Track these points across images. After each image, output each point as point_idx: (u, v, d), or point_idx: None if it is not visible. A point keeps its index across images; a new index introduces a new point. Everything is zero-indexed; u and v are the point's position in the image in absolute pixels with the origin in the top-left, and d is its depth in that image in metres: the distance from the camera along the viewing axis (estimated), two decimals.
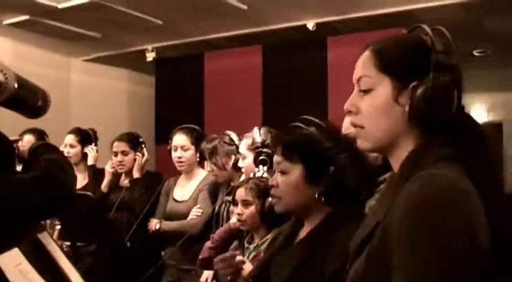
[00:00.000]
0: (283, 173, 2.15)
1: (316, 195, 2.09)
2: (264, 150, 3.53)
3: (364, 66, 1.46)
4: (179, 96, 7.62)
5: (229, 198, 3.74)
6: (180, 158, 4.39)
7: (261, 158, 3.50)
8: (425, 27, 1.44)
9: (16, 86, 1.54)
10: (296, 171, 2.13)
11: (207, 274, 3.78)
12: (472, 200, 1.26)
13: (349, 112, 1.49)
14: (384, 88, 1.41)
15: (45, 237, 1.51)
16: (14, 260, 1.29)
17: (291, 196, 2.15)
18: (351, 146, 2.06)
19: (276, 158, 2.19)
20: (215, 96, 7.38)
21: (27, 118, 2.01)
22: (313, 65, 6.72)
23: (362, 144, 1.49)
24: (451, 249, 1.20)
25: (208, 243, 3.52)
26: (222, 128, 4.34)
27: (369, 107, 1.44)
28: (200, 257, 3.55)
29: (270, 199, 2.73)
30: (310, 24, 6.28)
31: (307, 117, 2.26)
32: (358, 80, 1.47)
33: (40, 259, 1.41)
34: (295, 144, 2.17)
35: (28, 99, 1.72)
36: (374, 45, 1.47)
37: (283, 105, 6.63)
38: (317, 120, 2.27)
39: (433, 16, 5.80)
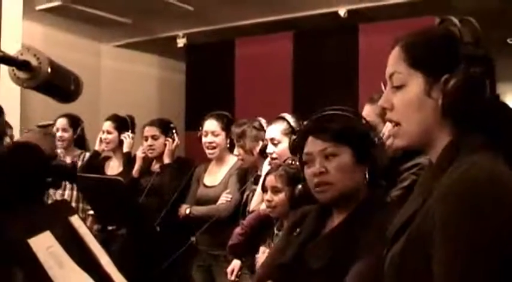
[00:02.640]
0: (330, 157, 2.10)
1: (367, 175, 2.10)
2: None
3: (394, 62, 1.49)
4: (210, 83, 7.64)
5: (256, 187, 3.74)
6: (210, 143, 4.39)
7: None
8: (453, 18, 1.45)
9: (49, 70, 1.56)
10: (345, 152, 2.09)
11: (234, 264, 3.79)
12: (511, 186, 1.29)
13: (384, 108, 1.52)
14: (415, 83, 1.44)
15: (76, 220, 1.53)
16: (46, 242, 1.31)
17: (345, 179, 2.08)
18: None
19: (319, 144, 2.13)
20: (246, 83, 7.39)
21: (59, 103, 2.03)
22: (344, 52, 6.69)
23: (398, 143, 1.51)
24: (487, 234, 1.23)
25: (237, 230, 3.53)
26: (253, 115, 4.33)
27: (402, 103, 1.47)
28: (230, 243, 3.56)
29: (299, 186, 2.72)
30: (342, 11, 6.25)
31: (338, 107, 2.25)
32: (390, 76, 1.49)
33: (71, 242, 1.43)
34: (343, 128, 2.14)
35: (61, 84, 1.73)
36: (403, 41, 1.49)
37: (313, 92, 6.62)
38: (347, 108, 2.28)
39: (465, 4, 5.73)
